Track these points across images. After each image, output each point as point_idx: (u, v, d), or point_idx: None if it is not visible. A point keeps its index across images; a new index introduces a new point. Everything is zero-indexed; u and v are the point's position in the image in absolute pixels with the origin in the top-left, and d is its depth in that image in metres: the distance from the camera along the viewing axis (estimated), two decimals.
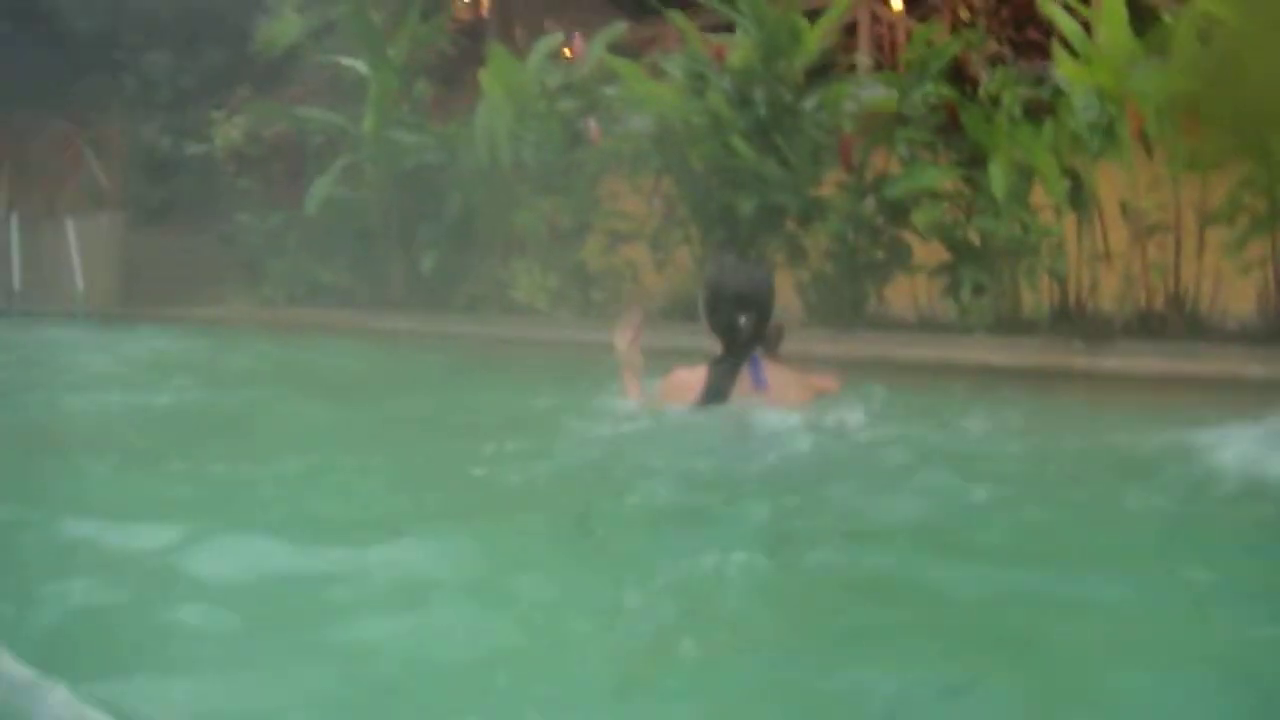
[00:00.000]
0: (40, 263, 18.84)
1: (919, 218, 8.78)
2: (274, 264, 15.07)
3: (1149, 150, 7.92)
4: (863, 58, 12.97)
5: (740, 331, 4.83)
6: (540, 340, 9.89)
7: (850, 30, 9.75)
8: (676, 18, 10.38)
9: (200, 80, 21.68)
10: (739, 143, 9.15)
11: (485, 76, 11.22)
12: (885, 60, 13.36)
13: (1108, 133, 7.92)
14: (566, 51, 11.17)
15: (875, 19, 14.71)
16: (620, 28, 11.76)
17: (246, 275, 16.06)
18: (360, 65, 13.24)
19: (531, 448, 4.53)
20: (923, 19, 13.96)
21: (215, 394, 7.13)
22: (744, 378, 4.86)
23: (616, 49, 11.31)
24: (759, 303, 5.00)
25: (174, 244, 18.85)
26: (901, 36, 14.81)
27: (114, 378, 7.82)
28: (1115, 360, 7.22)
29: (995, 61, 8.94)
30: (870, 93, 9.56)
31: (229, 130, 16.46)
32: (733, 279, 5.15)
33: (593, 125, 10.50)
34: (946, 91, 8.69)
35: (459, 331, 10.92)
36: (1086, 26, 8.16)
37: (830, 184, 9.41)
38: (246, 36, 22.11)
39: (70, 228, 18.98)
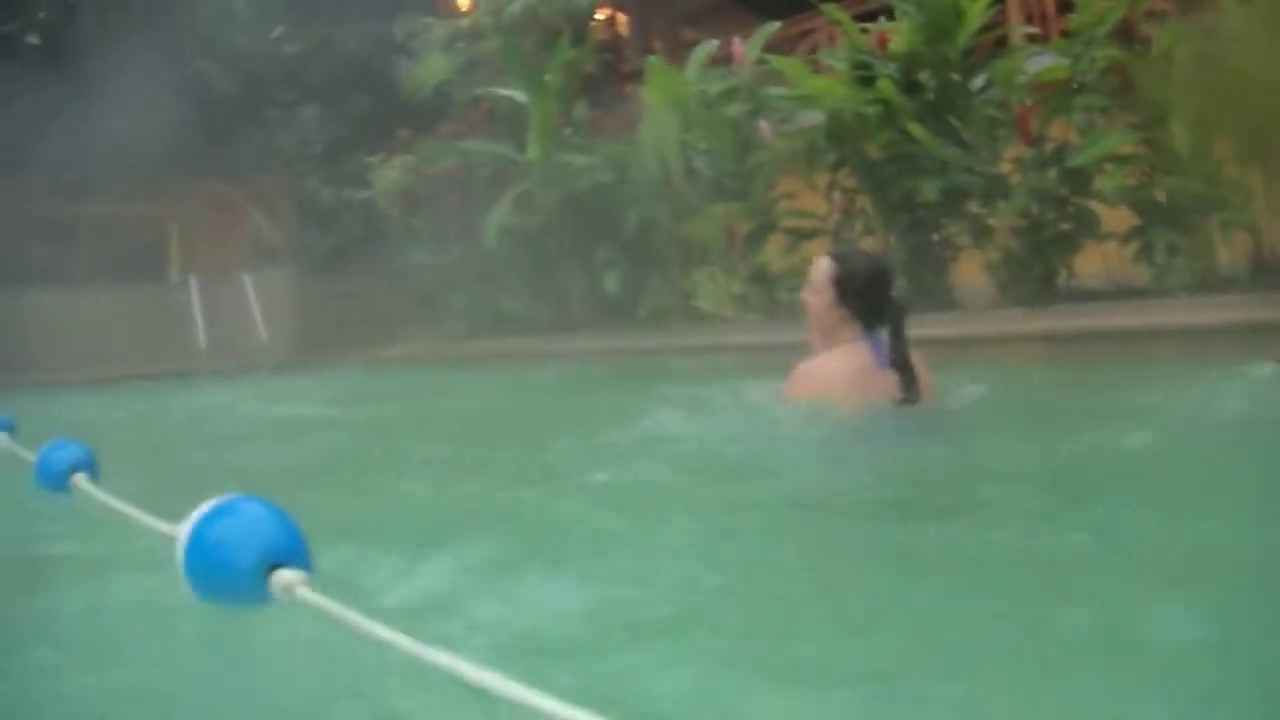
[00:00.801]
0: (220, 321, 19.30)
1: (1105, 184, 8.70)
2: (452, 298, 15.32)
3: None
4: (1021, 28, 12.88)
5: (894, 305, 4.76)
6: (727, 345, 9.95)
7: (997, 2, 9.77)
8: (832, 10, 10.41)
9: (351, 128, 22.14)
10: (915, 127, 9.15)
11: (648, 90, 11.33)
12: (1041, 29, 13.21)
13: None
14: (734, 56, 11.18)
15: None
16: (773, 27, 11.80)
17: (423, 312, 16.35)
18: (517, 94, 13.42)
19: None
20: None
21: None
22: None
23: (765, 50, 11.37)
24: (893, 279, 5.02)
25: (345, 290, 19.27)
26: (1050, 4, 14.70)
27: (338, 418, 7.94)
28: None
29: (1159, 17, 8.88)
30: (1037, 63, 9.52)
31: (387, 173, 16.77)
32: (873, 259, 5.16)
33: (764, 126, 10.54)
34: (1118, 54, 8.62)
35: (645, 346, 11.00)
36: None
37: (1008, 160, 9.36)
38: (389, 82, 22.59)
39: (248, 283, 19.43)
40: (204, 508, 2.33)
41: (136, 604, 2.62)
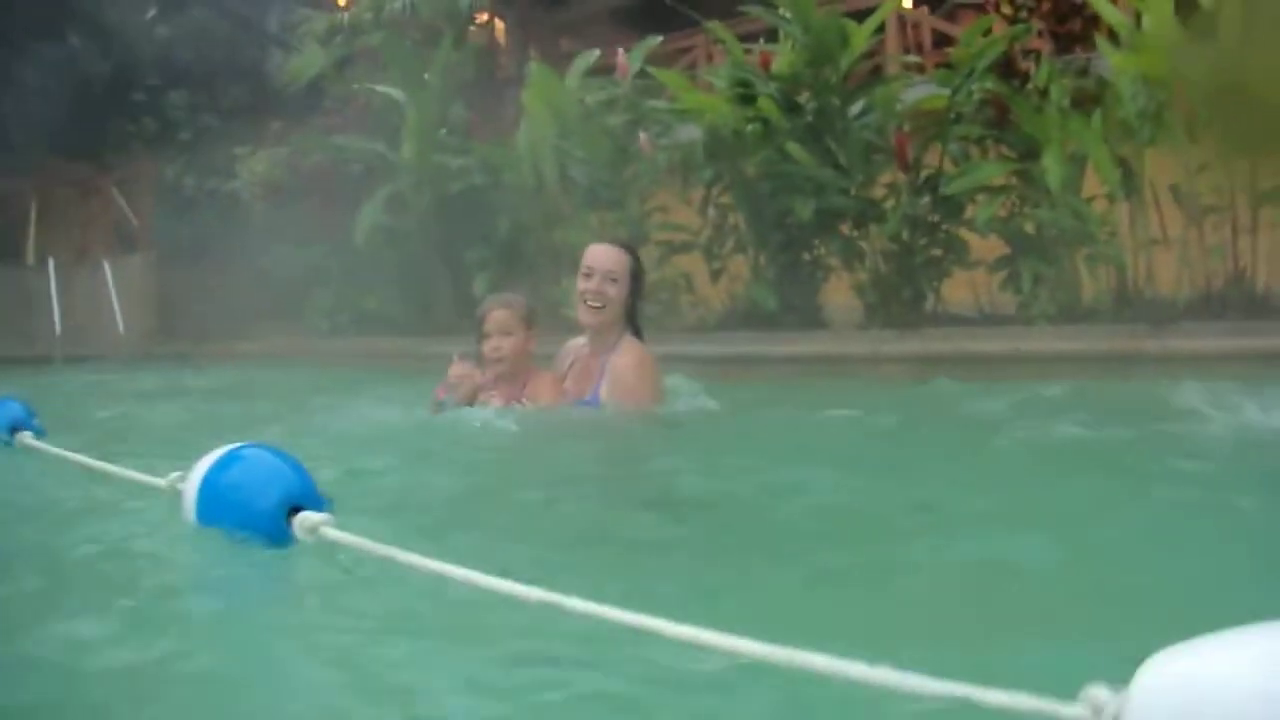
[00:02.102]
0: (77, 307, 18.94)
1: (977, 213, 8.84)
2: (316, 295, 15.15)
3: (1195, 135, 7.97)
4: (901, 57, 13.07)
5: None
6: None
7: (877, 31, 9.90)
8: (716, 28, 10.48)
9: (220, 118, 21.83)
10: (794, 147, 9.22)
11: (527, 95, 11.30)
12: (920, 59, 13.41)
13: (1157, 119, 7.99)
14: (617, 67, 11.16)
15: (899, 19, 14.81)
16: (655, 41, 11.82)
17: (285, 308, 16.15)
18: (395, 92, 13.32)
19: None
20: (947, 17, 14.13)
21: None
22: None
23: (646, 64, 11.40)
24: None
25: (206, 281, 18.96)
26: (926, 35, 14.95)
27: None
28: (1185, 341, 7.30)
29: (1034, 55, 9.05)
30: (917, 92, 9.66)
31: (254, 165, 16.56)
32: None
33: (644, 138, 10.54)
34: (997, 87, 8.76)
35: None
36: (1132, 16, 8.24)
37: (882, 185, 9.49)
38: (262, 73, 22.30)
39: (107, 270, 19.09)
40: (211, 456, 2.48)
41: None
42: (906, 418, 5.43)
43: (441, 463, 4.29)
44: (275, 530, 2.23)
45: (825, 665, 1.34)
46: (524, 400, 5.07)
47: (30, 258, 20.84)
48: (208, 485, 2.40)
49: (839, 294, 9.97)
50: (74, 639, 1.98)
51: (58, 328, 18.24)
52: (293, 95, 17.58)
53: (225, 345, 15.72)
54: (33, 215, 21.46)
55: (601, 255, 5.10)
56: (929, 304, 9.39)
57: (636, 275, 5.06)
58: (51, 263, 19.44)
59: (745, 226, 10.23)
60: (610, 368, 5.02)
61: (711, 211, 10.45)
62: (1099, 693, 1.16)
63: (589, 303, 5.00)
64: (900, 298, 9.32)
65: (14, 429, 3.96)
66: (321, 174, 15.10)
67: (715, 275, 10.44)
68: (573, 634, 1.71)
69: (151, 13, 24.55)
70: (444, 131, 13.23)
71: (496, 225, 12.21)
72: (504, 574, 1.75)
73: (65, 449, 3.64)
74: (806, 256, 10.00)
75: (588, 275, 5.02)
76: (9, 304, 18.39)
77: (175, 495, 2.57)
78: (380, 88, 13.77)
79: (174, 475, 2.61)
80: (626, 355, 5.10)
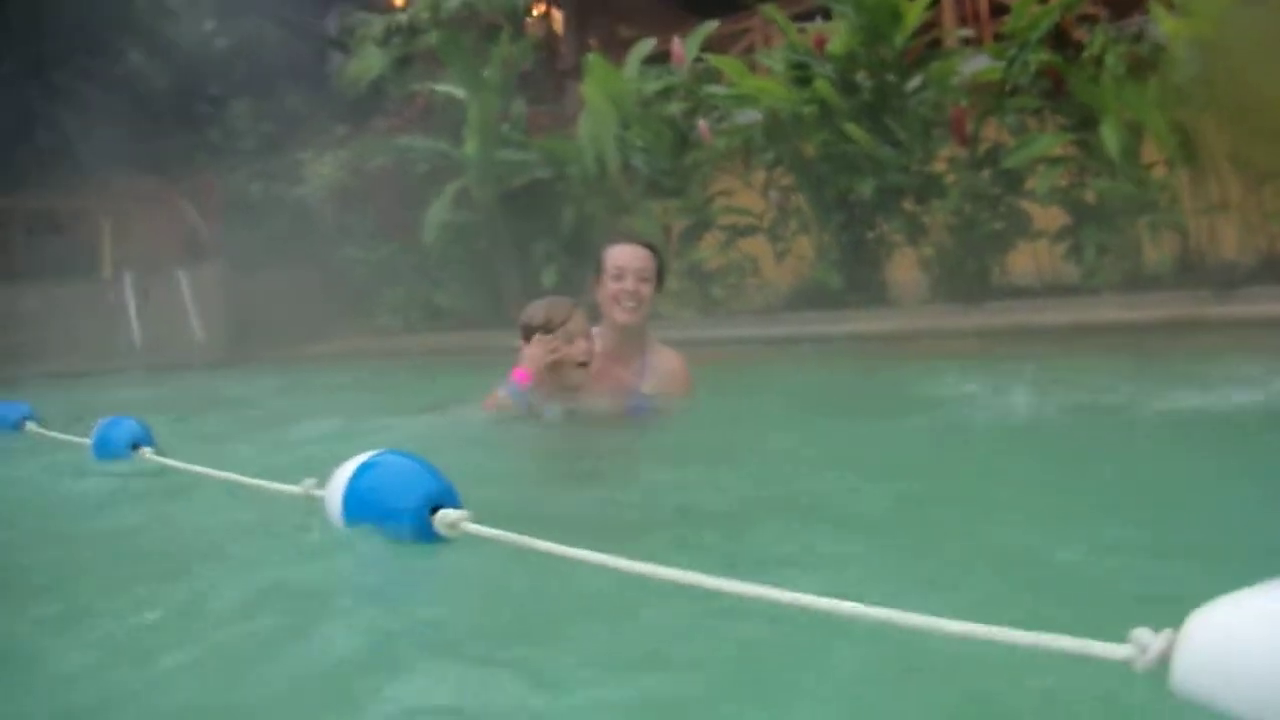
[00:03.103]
0: (153, 318, 19.16)
1: (1037, 184, 8.88)
2: (387, 294, 15.32)
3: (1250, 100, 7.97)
4: (957, 31, 13.06)
5: None
6: (666, 341, 10.00)
7: (932, 4, 9.90)
8: (770, 10, 10.55)
9: (283, 125, 22.03)
10: (852, 127, 9.29)
11: (586, 87, 11.38)
12: (975, 32, 13.40)
13: (1212, 84, 7.99)
14: (673, 54, 11.24)
15: None
16: (711, 26, 11.89)
17: (356, 308, 16.34)
18: (455, 90, 13.44)
19: None
20: None
21: None
22: None
23: (701, 50, 11.47)
24: None
25: (277, 286, 19.13)
26: (984, 5, 14.90)
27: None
28: (1249, 306, 7.31)
29: (1089, 21, 9.06)
30: (972, 66, 9.70)
31: (319, 169, 16.73)
32: None
33: (703, 125, 10.62)
34: (1051, 58, 8.79)
35: None
36: None
37: (942, 160, 9.53)
38: (322, 77, 22.50)
39: (182, 280, 19.31)
40: (350, 465, 2.63)
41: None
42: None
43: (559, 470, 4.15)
44: (420, 527, 2.40)
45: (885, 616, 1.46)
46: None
47: (106, 272, 21.09)
48: (353, 490, 2.57)
49: (903, 270, 10.03)
50: (229, 648, 2.06)
51: (137, 339, 18.47)
52: (354, 98, 17.74)
53: (300, 348, 15.89)
54: (106, 231, 21.71)
55: (631, 255, 4.99)
56: (993, 277, 9.45)
57: (660, 273, 5.10)
58: (127, 276, 19.67)
59: (808, 207, 10.32)
60: (654, 366, 5.03)
61: (774, 194, 10.54)
62: (1145, 634, 1.27)
63: (625, 304, 4.90)
64: (964, 271, 9.38)
65: (135, 446, 4.01)
66: (386, 175, 15.24)
67: (780, 257, 10.54)
68: (714, 613, 1.82)
69: (210, 25, 24.80)
70: (506, 126, 13.31)
71: (561, 217, 12.32)
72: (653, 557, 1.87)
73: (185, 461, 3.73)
74: (869, 234, 10.08)
75: (619, 277, 4.91)
76: (88, 318, 18.63)
77: (311, 501, 2.72)
78: (440, 86, 13.89)
79: (308, 482, 2.76)
80: (669, 353, 5.14)
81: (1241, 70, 7.78)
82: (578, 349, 4.66)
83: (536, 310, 4.79)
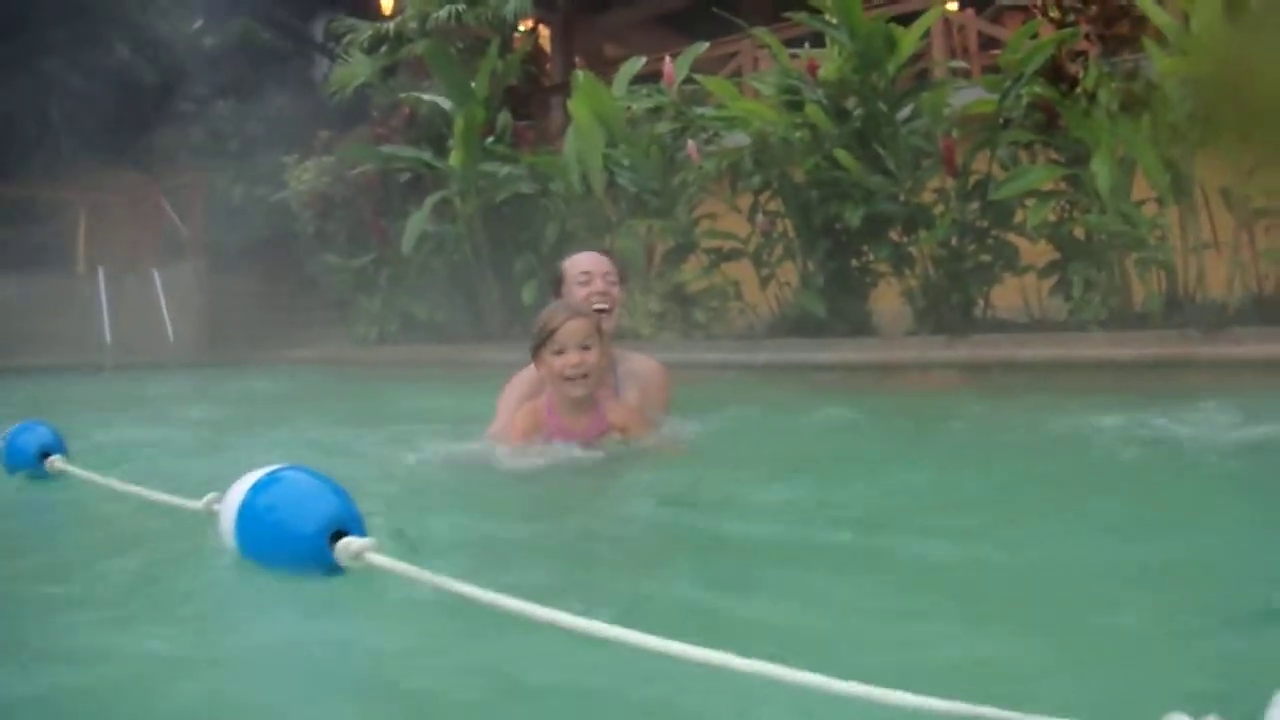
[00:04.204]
0: (126, 315, 19.05)
1: (1026, 218, 8.81)
2: (365, 303, 15.22)
3: (1246, 137, 7.94)
4: (947, 62, 13.04)
5: None
6: None
7: (923, 35, 9.84)
8: (763, 34, 10.46)
9: (267, 127, 21.96)
10: (843, 154, 9.21)
11: (574, 103, 11.28)
12: (967, 63, 13.38)
13: (1206, 122, 7.95)
14: (664, 74, 11.16)
15: (945, 22, 14.76)
16: (701, 47, 11.81)
17: (334, 316, 16.26)
18: (442, 100, 13.35)
19: None
20: (993, 20, 14.08)
21: None
22: None
23: (692, 70, 11.40)
24: None
25: (254, 290, 19.10)
26: (972, 38, 14.89)
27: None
28: (1236, 347, 7.26)
29: (1082, 57, 9.01)
30: (964, 96, 9.64)
31: (302, 174, 16.64)
32: None
33: (692, 145, 10.54)
34: (1045, 91, 8.73)
35: None
36: (1179, 17, 8.18)
37: (931, 190, 9.46)
38: (308, 82, 22.45)
39: (157, 278, 19.20)
40: (250, 476, 2.41)
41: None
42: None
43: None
44: (317, 556, 2.18)
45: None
46: (616, 432, 4.49)
47: (80, 267, 20.98)
48: (248, 509, 2.35)
49: (888, 300, 9.96)
50: (102, 675, 1.98)
51: (108, 336, 18.35)
52: (339, 104, 17.67)
53: (274, 353, 15.80)
54: (82, 225, 21.61)
55: (592, 259, 4.96)
56: (979, 310, 9.39)
57: (622, 280, 5.00)
58: (101, 272, 19.56)
59: (794, 233, 10.23)
60: (631, 373, 4.92)
61: (760, 218, 10.44)
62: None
63: (597, 306, 4.73)
64: (950, 303, 9.31)
65: (45, 453, 3.91)
66: (368, 183, 15.16)
67: (764, 282, 10.45)
68: (624, 664, 1.69)
69: (198, 23, 24.72)
70: (491, 139, 13.22)
71: (544, 233, 12.21)
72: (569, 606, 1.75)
73: (100, 468, 3.60)
74: (855, 263, 10.01)
75: (586, 281, 4.83)
76: (60, 313, 18.50)
77: (211, 518, 2.55)
78: (426, 96, 13.80)
79: (210, 497, 2.58)
80: (641, 358, 5.07)
81: (1237, 105, 7.76)
82: (566, 363, 4.31)
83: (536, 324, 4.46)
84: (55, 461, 3.86)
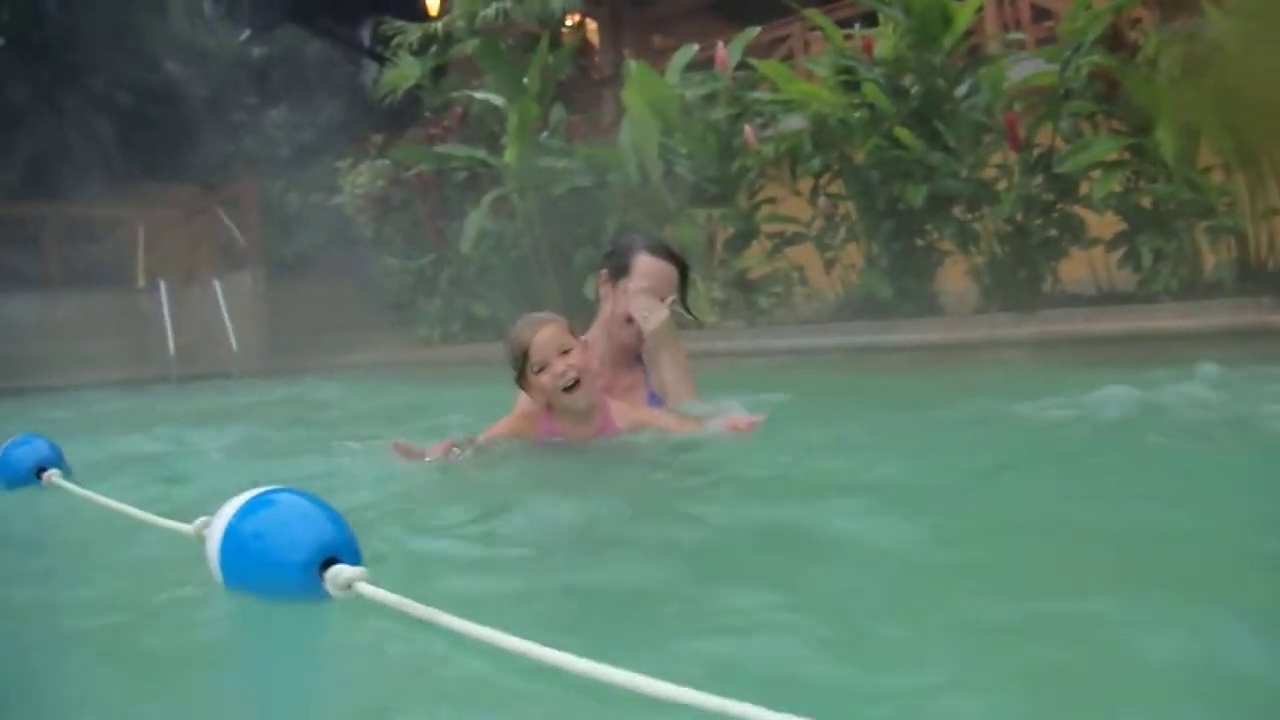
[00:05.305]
0: (188, 327, 19.17)
1: (1092, 190, 8.69)
2: (425, 304, 15.24)
3: None
4: (1002, 35, 12.94)
5: None
6: (712, 351, 9.79)
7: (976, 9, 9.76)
8: (815, 15, 10.38)
9: (318, 133, 22.06)
10: (903, 132, 9.12)
11: (628, 94, 11.23)
12: (1022, 34, 13.24)
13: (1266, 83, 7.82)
14: (717, 60, 11.11)
15: None
16: (753, 32, 11.76)
17: (395, 319, 16.30)
18: (494, 98, 13.33)
19: None
20: None
21: None
22: None
23: (744, 55, 11.36)
24: None
25: (313, 296, 19.16)
26: (1025, 10, 14.76)
27: None
28: None
29: (1138, 23, 8.90)
30: (1021, 69, 9.53)
31: (356, 179, 16.69)
32: None
33: (749, 131, 10.48)
34: (1105, 60, 8.61)
35: None
36: None
37: (993, 166, 9.35)
38: (358, 86, 22.51)
39: (218, 289, 19.30)
40: (238, 500, 2.27)
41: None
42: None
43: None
44: (305, 584, 2.07)
45: None
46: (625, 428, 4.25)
47: (141, 281, 21.12)
48: (234, 534, 2.22)
49: (954, 279, 9.87)
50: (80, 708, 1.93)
51: (171, 348, 18.45)
52: (390, 108, 17.69)
53: (337, 358, 15.83)
54: (140, 240, 21.75)
55: (662, 274, 4.62)
56: (1047, 285, 9.27)
57: (685, 270, 4.75)
58: (162, 285, 19.69)
59: (856, 215, 10.17)
60: (653, 360, 4.62)
61: (821, 201, 10.38)
62: None
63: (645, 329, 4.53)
64: (1017, 280, 9.21)
65: (41, 468, 3.86)
66: (425, 184, 15.18)
67: (828, 265, 10.38)
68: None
69: (245, 34, 24.85)
70: (545, 134, 13.21)
71: (603, 226, 12.16)
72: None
73: (99, 487, 3.50)
74: (920, 242, 9.92)
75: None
76: (123, 327, 18.65)
77: (202, 543, 2.38)
78: (478, 94, 13.78)
79: (200, 520, 2.42)
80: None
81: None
82: (551, 374, 4.07)
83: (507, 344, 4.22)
84: (51, 477, 3.81)
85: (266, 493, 2.27)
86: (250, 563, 2.17)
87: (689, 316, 4.93)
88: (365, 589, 1.99)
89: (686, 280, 4.73)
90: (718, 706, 1.37)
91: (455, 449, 4.16)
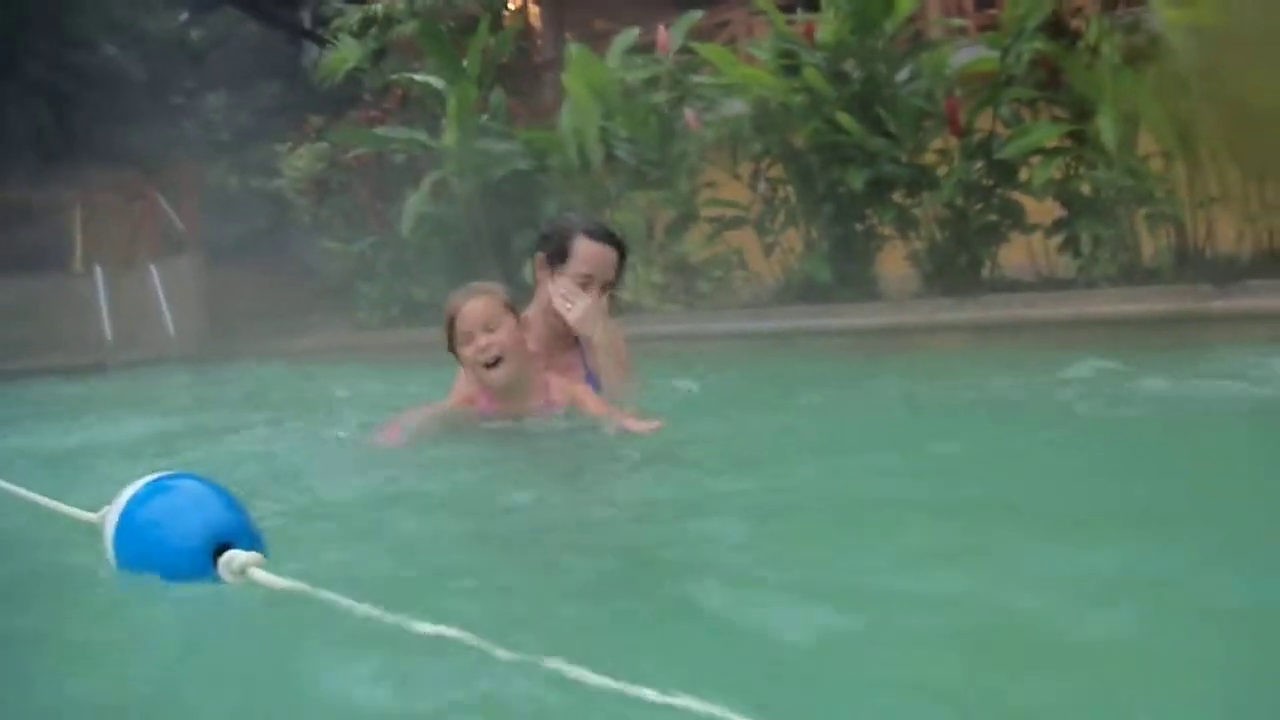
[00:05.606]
0: (125, 312, 18.99)
1: (1032, 176, 8.71)
2: (365, 288, 15.13)
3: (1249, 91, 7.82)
4: (945, 20, 12.97)
5: None
6: (651, 335, 9.72)
7: None
8: (759, 0, 10.36)
9: (258, 116, 21.90)
10: (844, 117, 9.11)
11: (568, 77, 11.19)
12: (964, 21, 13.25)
13: (1211, 74, 7.84)
14: (658, 43, 11.09)
15: None
16: (695, 16, 11.73)
17: (335, 303, 16.18)
18: (434, 80, 13.22)
19: None
20: None
21: None
22: None
23: (686, 39, 11.32)
24: None
25: (253, 280, 19.02)
26: None
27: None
28: (1248, 300, 7.15)
29: (1081, 11, 8.92)
30: (964, 55, 9.54)
31: (295, 162, 16.55)
32: None
33: (690, 114, 10.46)
34: (1047, 47, 8.62)
35: None
36: None
37: (934, 151, 9.37)
38: (297, 70, 22.35)
39: (155, 274, 19.13)
40: (134, 486, 2.23)
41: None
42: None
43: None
44: (199, 570, 2.01)
45: None
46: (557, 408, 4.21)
47: (78, 265, 20.92)
48: (129, 521, 2.17)
49: (894, 264, 9.88)
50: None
51: (108, 334, 18.27)
52: (330, 90, 17.54)
53: (277, 343, 15.71)
54: (78, 224, 21.54)
55: (602, 259, 4.55)
56: (986, 270, 9.29)
57: (624, 253, 4.69)
58: (99, 269, 19.50)
59: (796, 199, 10.16)
60: (589, 341, 4.54)
61: (761, 185, 10.38)
62: None
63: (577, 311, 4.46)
64: (956, 265, 9.22)
65: None
66: (364, 167, 15.07)
67: (768, 250, 10.37)
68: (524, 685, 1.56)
69: (184, 16, 24.64)
70: (485, 117, 13.11)
71: (543, 209, 12.09)
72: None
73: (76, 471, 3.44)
74: (859, 227, 9.91)
75: (585, 283, 4.49)
76: (59, 313, 18.43)
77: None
78: (418, 77, 13.67)
79: (105, 509, 2.30)
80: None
81: (1243, 59, 7.64)
82: (471, 349, 4.05)
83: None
84: None
85: (163, 478, 2.23)
86: (145, 548, 2.12)
87: (625, 300, 4.84)
88: (259, 575, 1.93)
89: (625, 262, 4.67)
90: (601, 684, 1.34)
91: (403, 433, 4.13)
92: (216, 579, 1.99)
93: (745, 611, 1.97)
